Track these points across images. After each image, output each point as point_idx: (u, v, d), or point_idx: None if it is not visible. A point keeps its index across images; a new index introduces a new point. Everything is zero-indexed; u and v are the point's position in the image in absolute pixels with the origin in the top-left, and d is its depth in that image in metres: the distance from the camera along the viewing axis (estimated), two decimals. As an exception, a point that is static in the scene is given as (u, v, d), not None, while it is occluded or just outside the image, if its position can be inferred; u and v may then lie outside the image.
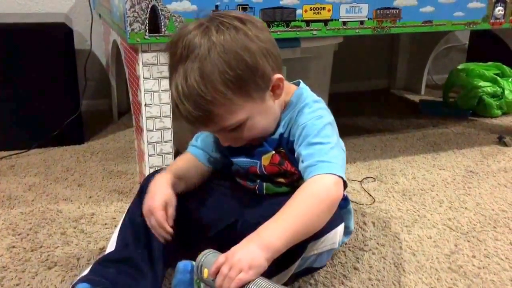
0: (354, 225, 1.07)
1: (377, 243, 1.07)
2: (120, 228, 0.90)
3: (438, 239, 1.09)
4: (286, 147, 0.88)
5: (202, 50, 0.76)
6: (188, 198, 0.93)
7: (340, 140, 0.91)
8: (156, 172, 0.96)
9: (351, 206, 1.00)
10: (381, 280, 0.94)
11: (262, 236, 0.72)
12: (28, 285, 0.92)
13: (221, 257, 0.71)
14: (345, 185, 0.80)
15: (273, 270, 0.76)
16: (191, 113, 0.78)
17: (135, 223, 0.89)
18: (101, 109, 2.01)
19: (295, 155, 0.86)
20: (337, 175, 0.78)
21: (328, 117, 0.87)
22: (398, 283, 0.93)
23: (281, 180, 0.92)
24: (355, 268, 0.98)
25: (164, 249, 0.87)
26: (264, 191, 0.93)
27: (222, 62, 0.76)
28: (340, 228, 0.88)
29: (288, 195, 0.79)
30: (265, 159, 0.91)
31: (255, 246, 0.71)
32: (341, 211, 0.94)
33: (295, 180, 0.90)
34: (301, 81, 0.94)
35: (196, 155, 0.97)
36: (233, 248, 0.72)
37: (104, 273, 0.82)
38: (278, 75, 0.83)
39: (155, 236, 0.86)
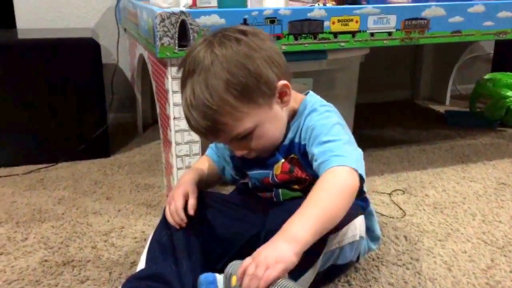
0: (383, 239, 1.05)
1: (411, 258, 1.05)
2: (148, 248, 0.91)
3: (474, 253, 1.06)
4: (298, 152, 0.89)
5: (206, 63, 0.79)
6: (208, 214, 0.95)
7: (359, 150, 0.90)
8: None
9: (372, 208, 0.98)
10: (417, 296, 0.92)
11: (288, 230, 0.72)
12: (62, 299, 0.92)
13: (248, 258, 0.71)
14: (361, 179, 0.81)
15: (297, 270, 0.74)
16: (200, 124, 0.81)
17: (161, 243, 0.89)
18: (126, 123, 2.03)
19: (309, 157, 0.86)
20: (349, 166, 0.79)
21: (336, 118, 0.88)
22: (435, 299, 0.91)
23: (295, 186, 0.92)
24: (390, 284, 0.96)
25: (193, 265, 0.86)
26: (281, 197, 0.94)
27: (225, 72, 0.79)
28: (359, 220, 0.89)
29: (305, 197, 0.79)
30: (276, 169, 0.91)
31: (281, 241, 0.71)
32: (362, 211, 0.93)
33: (307, 185, 0.89)
34: (310, 91, 0.95)
35: (213, 159, 1.02)
36: (259, 249, 0.72)
37: None
38: (283, 82, 0.84)
39: (182, 254, 0.86)
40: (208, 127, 0.80)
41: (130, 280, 0.85)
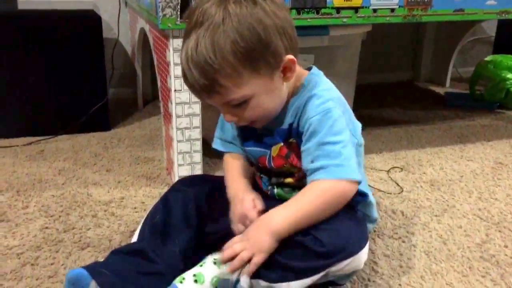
0: (380, 213, 1.06)
1: (407, 232, 1.06)
2: (142, 224, 0.91)
3: (469, 228, 1.08)
4: (297, 137, 0.87)
5: (216, 19, 0.75)
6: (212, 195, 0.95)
7: (357, 125, 0.90)
8: (181, 182, 0.98)
9: (372, 198, 0.95)
10: (412, 268, 0.94)
11: (270, 222, 0.79)
12: (62, 264, 0.93)
13: (236, 237, 0.81)
14: (358, 182, 0.82)
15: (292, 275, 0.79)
16: (197, 81, 0.77)
17: (153, 222, 0.89)
18: (127, 98, 2.03)
19: (301, 149, 0.84)
20: (350, 179, 0.80)
21: (339, 108, 0.84)
22: (430, 271, 0.93)
23: (289, 180, 0.92)
24: (386, 255, 0.98)
25: (186, 244, 0.87)
26: (276, 197, 0.94)
27: (234, 32, 0.75)
28: (365, 249, 0.83)
29: None
30: (274, 150, 0.90)
31: (263, 233, 0.78)
32: (360, 204, 0.92)
33: (302, 178, 0.88)
34: (314, 66, 0.91)
35: (234, 151, 0.98)
36: (246, 232, 0.80)
37: (109, 265, 0.80)
38: (290, 56, 0.80)
39: (175, 234, 0.87)
40: (205, 85, 0.77)
41: (113, 252, 0.84)
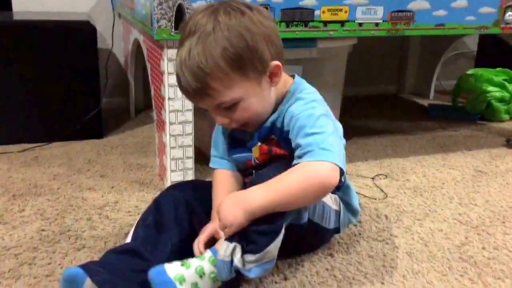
0: (365, 217, 1.10)
1: (390, 234, 1.11)
2: (135, 226, 0.95)
3: (449, 232, 1.13)
4: (280, 135, 0.92)
5: (207, 28, 0.82)
6: (202, 193, 1.00)
7: (339, 126, 0.96)
8: (172, 187, 1.03)
9: (349, 182, 1.02)
10: (395, 267, 0.98)
11: (246, 199, 0.82)
12: (59, 264, 0.96)
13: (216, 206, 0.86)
14: (341, 172, 0.84)
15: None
16: (190, 84, 0.84)
17: (146, 223, 0.93)
18: (119, 107, 2.07)
19: (293, 145, 0.88)
20: (333, 163, 0.82)
21: (322, 108, 0.90)
22: (411, 271, 0.97)
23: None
24: (370, 256, 1.02)
25: (178, 243, 0.91)
26: None
27: (224, 39, 0.82)
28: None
29: None
30: (255, 151, 0.96)
31: (239, 209, 0.81)
32: (339, 189, 0.99)
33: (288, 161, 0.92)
34: (296, 75, 0.98)
35: (223, 167, 1.03)
36: (221, 206, 0.83)
37: (104, 263, 0.84)
38: (276, 62, 0.87)
39: (168, 233, 0.91)
40: (197, 88, 0.83)
41: (108, 252, 0.88)
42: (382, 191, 1.34)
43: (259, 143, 0.94)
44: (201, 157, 1.40)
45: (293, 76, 0.97)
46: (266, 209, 0.81)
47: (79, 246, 1.03)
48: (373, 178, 1.42)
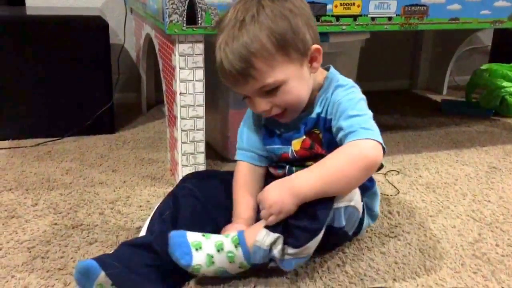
0: (379, 211, 1.10)
1: (403, 231, 1.10)
2: (150, 218, 0.95)
3: (462, 228, 1.12)
4: (323, 127, 0.93)
5: (251, 13, 0.84)
6: (217, 188, 1.00)
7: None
8: (190, 175, 1.04)
9: (377, 189, 1.04)
10: (407, 264, 0.98)
11: (294, 184, 0.82)
12: (72, 258, 0.97)
13: (259, 195, 0.86)
14: (384, 150, 0.86)
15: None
16: (234, 65, 0.84)
17: (162, 217, 0.93)
18: (131, 102, 2.08)
19: (334, 130, 0.90)
20: (376, 140, 0.84)
21: (360, 93, 0.94)
22: (424, 267, 0.97)
23: (311, 163, 0.95)
24: (382, 253, 1.02)
25: None
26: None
27: (268, 20, 0.84)
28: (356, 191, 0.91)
29: None
30: (296, 144, 0.96)
31: (287, 195, 0.82)
32: (366, 193, 0.99)
33: None
34: (331, 66, 1.00)
35: (247, 160, 1.03)
36: (267, 193, 0.84)
37: (118, 256, 0.84)
38: (317, 46, 0.90)
39: (183, 229, 0.90)
40: (241, 69, 0.84)
41: (122, 245, 0.88)
42: (395, 187, 1.33)
43: (304, 136, 0.95)
44: (212, 152, 1.40)
45: (327, 69, 0.99)
46: (316, 193, 0.82)
47: (91, 240, 1.03)
48: (385, 174, 1.41)
